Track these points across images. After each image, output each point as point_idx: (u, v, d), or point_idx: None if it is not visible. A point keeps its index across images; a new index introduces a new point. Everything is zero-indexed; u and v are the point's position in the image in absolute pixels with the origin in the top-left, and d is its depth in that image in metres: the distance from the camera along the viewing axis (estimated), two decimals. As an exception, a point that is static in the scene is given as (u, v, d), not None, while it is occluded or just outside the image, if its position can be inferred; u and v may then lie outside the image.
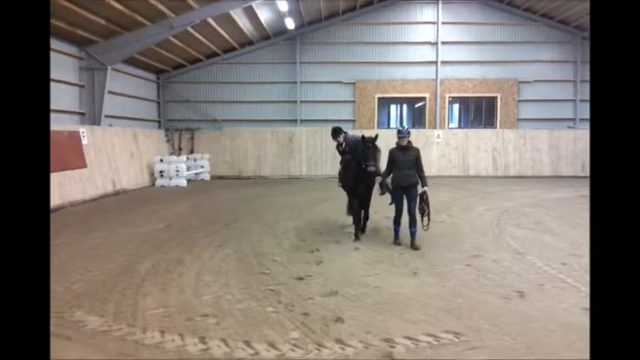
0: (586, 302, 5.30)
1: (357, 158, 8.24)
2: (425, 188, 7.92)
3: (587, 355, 3.99)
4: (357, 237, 8.45)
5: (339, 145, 9.31)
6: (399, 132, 7.99)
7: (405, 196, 8.00)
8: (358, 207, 8.58)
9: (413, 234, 7.93)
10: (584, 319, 4.84)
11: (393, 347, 4.22)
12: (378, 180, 8.20)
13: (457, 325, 4.72)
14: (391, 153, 8.04)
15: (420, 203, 8.00)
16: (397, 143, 8.01)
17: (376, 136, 8.17)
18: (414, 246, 7.85)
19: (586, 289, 5.79)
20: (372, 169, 7.92)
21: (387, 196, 8.37)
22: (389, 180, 8.12)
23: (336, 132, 9.26)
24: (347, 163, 8.76)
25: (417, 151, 8.00)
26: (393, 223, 8.22)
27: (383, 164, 8.24)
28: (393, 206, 8.12)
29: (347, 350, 4.17)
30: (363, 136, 8.30)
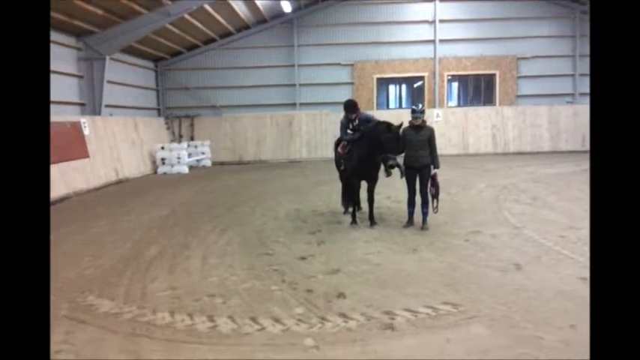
0: (582, 272, 5.49)
1: (371, 141, 7.69)
2: (436, 170, 7.72)
3: (580, 319, 4.20)
4: (353, 219, 8.34)
5: (350, 121, 8.40)
6: (413, 111, 7.73)
7: (417, 177, 7.78)
8: (358, 189, 8.44)
9: (425, 214, 7.84)
10: (580, 288, 5.03)
11: (394, 319, 4.40)
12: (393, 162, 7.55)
13: (455, 297, 4.90)
14: (403, 132, 7.70)
15: (430, 186, 7.77)
16: (410, 122, 7.78)
17: (401, 124, 7.63)
18: (424, 227, 7.80)
19: (583, 260, 5.95)
20: (393, 162, 7.39)
21: (395, 175, 8.21)
22: (400, 160, 7.82)
23: (353, 106, 8.34)
24: (354, 142, 8.20)
25: (430, 130, 7.76)
26: (407, 205, 8.04)
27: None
28: (398, 186, 7.91)
29: (349, 323, 4.35)
30: (386, 124, 7.58)
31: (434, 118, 21.21)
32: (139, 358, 3.90)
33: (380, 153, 7.61)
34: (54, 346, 3.95)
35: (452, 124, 21.49)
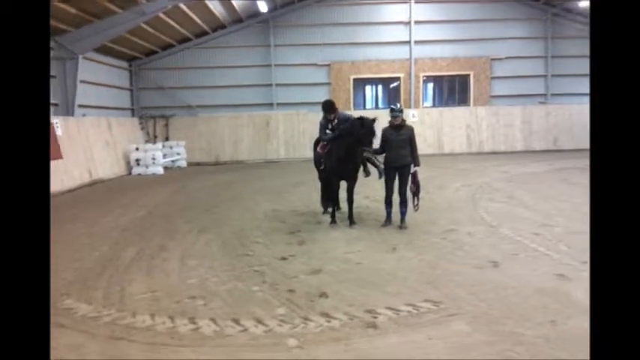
0: (558, 269, 5.61)
1: (352, 136, 7.66)
2: (416, 168, 7.79)
3: (559, 315, 4.29)
4: (333, 218, 8.36)
5: (329, 121, 8.34)
6: (391, 110, 7.77)
7: (397, 177, 7.84)
8: (337, 188, 8.48)
9: (403, 214, 7.91)
10: (557, 284, 5.14)
11: (376, 317, 4.43)
12: (369, 154, 7.79)
13: (436, 294, 4.95)
14: (384, 132, 7.81)
15: (411, 183, 7.85)
16: (390, 122, 7.81)
17: (374, 119, 7.69)
18: (403, 226, 7.86)
19: (558, 257, 6.09)
20: (368, 154, 7.57)
21: (374, 175, 8.29)
22: (381, 159, 7.94)
23: (330, 106, 8.29)
24: (333, 141, 8.15)
25: (410, 129, 7.82)
26: (385, 204, 8.06)
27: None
28: (376, 186, 7.94)
29: (333, 322, 4.36)
30: (361, 118, 7.71)
31: (410, 118, 21.35)
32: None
33: (357, 149, 7.64)
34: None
35: (427, 125, 21.68)
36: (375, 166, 8.15)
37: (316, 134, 8.86)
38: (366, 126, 7.54)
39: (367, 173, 8.35)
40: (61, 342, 4.17)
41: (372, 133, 7.61)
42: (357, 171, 8.17)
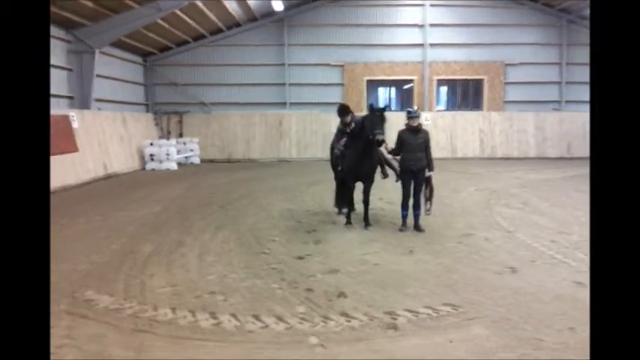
0: (576, 276, 5.60)
1: (363, 133, 7.67)
2: (431, 173, 7.81)
3: (579, 323, 4.30)
4: (348, 219, 8.36)
5: (346, 125, 8.34)
6: (408, 113, 7.77)
7: (412, 180, 7.81)
8: (352, 189, 8.45)
9: (417, 216, 7.91)
10: (575, 292, 5.14)
11: (396, 319, 4.45)
12: (385, 148, 7.82)
13: (454, 298, 4.97)
14: (400, 135, 7.81)
15: (425, 188, 7.87)
16: (407, 125, 7.78)
17: (385, 106, 7.72)
18: (418, 228, 7.88)
19: (576, 264, 6.08)
20: (379, 137, 7.34)
21: (391, 177, 8.31)
22: (396, 164, 8.01)
23: (345, 110, 8.38)
24: (351, 142, 8.09)
25: (426, 133, 7.83)
26: (402, 208, 8.00)
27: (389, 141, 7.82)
28: (390, 188, 7.94)
29: (352, 322, 4.39)
30: (371, 105, 7.84)
31: (423, 121, 21.27)
32: (144, 353, 3.89)
33: (374, 147, 7.65)
34: (56, 341, 3.93)
35: (440, 128, 21.66)
36: (393, 168, 8.15)
37: (329, 134, 8.87)
38: (374, 113, 7.55)
39: (385, 175, 8.37)
40: (83, 333, 4.23)
41: (384, 119, 7.54)
42: (374, 172, 8.16)
